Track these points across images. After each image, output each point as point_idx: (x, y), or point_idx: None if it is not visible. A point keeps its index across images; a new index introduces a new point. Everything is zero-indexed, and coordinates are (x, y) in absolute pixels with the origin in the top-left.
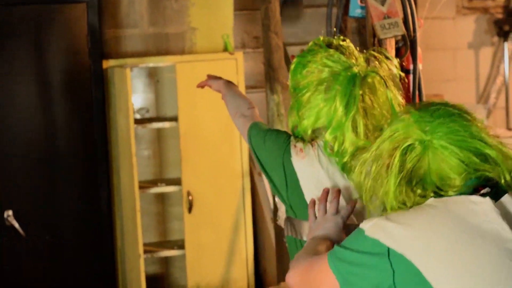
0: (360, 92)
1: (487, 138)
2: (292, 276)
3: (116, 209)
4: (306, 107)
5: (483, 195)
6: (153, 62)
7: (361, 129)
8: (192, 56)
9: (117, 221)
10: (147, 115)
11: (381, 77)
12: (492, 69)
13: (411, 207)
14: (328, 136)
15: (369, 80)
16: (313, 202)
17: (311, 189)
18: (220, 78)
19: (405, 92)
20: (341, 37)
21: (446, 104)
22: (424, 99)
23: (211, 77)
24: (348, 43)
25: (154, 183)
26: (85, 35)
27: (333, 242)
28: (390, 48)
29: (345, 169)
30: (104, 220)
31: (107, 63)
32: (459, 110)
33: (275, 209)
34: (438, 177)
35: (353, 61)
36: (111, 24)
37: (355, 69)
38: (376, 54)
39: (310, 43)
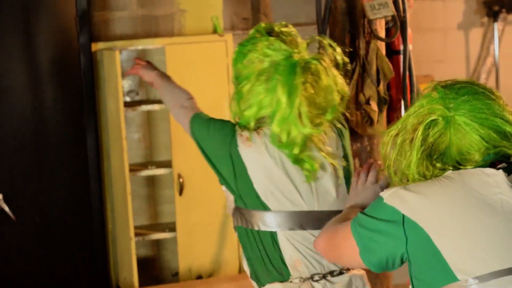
0: (302, 80)
1: (509, 116)
2: (319, 242)
3: (106, 192)
4: (247, 98)
5: (498, 169)
6: (142, 44)
7: (306, 118)
8: (181, 38)
9: (107, 204)
10: (137, 98)
11: (321, 64)
12: (482, 50)
13: (429, 179)
14: (275, 128)
15: (311, 67)
16: (358, 171)
17: (259, 177)
18: (153, 68)
19: (395, 73)
20: (283, 23)
21: (472, 83)
22: (414, 80)
23: (141, 65)
24: (290, 29)
25: (144, 166)
26: (74, 17)
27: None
28: (380, 28)
29: (298, 161)
30: (95, 204)
31: (96, 46)
32: (483, 89)
33: None
34: (458, 152)
35: (294, 48)
36: (100, 7)
37: (296, 57)
38: (320, 39)
39: (252, 31)
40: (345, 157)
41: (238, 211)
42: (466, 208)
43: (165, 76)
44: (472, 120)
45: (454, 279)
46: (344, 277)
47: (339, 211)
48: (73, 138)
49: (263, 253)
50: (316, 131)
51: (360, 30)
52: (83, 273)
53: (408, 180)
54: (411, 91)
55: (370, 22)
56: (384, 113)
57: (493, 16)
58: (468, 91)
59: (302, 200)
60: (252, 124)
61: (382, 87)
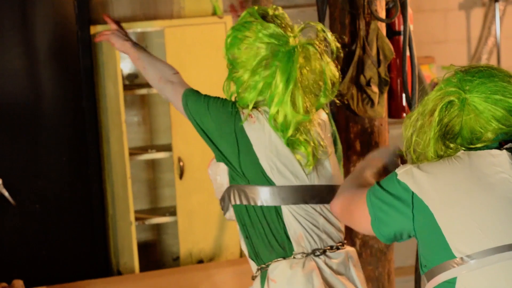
0: (298, 65)
1: None
2: (336, 205)
3: (106, 176)
4: (247, 84)
5: (505, 149)
6: (141, 27)
7: (300, 103)
8: (180, 21)
9: (108, 189)
10: (136, 81)
11: (315, 48)
12: (483, 30)
13: (442, 158)
14: (272, 110)
15: (307, 52)
16: None
17: (265, 152)
18: (125, 36)
19: (395, 54)
20: (274, 6)
21: (490, 67)
22: (415, 61)
23: (111, 31)
24: (282, 12)
25: (144, 149)
26: (72, 0)
27: (384, 167)
28: (381, 9)
29: (290, 144)
30: (95, 188)
31: (94, 29)
32: (501, 72)
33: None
34: (471, 132)
35: (290, 33)
36: None
37: (292, 42)
38: (313, 24)
39: (244, 13)
40: (335, 139)
41: (237, 189)
42: (468, 187)
43: (140, 48)
44: (486, 101)
45: (451, 256)
46: (340, 254)
47: (337, 186)
48: (72, 123)
49: (267, 229)
50: (308, 117)
51: (360, 11)
52: (83, 258)
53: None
54: (412, 72)
55: (370, 2)
56: (385, 95)
57: None
58: (484, 74)
59: (305, 174)
60: (250, 106)
61: (382, 68)
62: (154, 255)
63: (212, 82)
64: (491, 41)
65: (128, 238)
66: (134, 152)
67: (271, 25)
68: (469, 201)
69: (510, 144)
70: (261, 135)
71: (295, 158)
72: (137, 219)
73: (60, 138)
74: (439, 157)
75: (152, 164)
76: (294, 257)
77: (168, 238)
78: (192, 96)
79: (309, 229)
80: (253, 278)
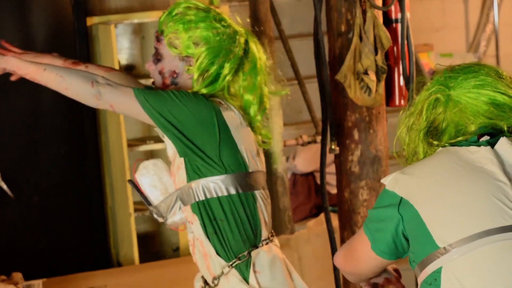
0: (242, 53)
1: (509, 91)
2: (338, 256)
3: (105, 167)
4: (210, 73)
5: (482, 142)
6: (138, 18)
7: (253, 89)
8: None
9: (106, 180)
10: (134, 72)
11: (257, 40)
12: (481, 17)
13: (425, 156)
14: (230, 97)
15: (254, 43)
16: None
17: (240, 137)
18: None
19: (392, 42)
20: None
21: (477, 64)
22: (413, 49)
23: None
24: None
25: (142, 140)
26: None
27: None
28: None
29: (251, 128)
30: (93, 180)
31: (91, 20)
32: (487, 67)
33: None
34: (455, 127)
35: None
36: None
37: (243, 32)
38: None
39: (183, 8)
40: None
41: (207, 183)
42: (448, 179)
43: (23, 57)
44: (468, 95)
45: (436, 247)
46: (276, 238)
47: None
48: (70, 114)
49: (243, 217)
50: (259, 106)
51: None
52: (83, 250)
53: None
54: (410, 60)
55: None
56: (383, 83)
57: None
58: (469, 70)
59: (261, 160)
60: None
61: (380, 56)
62: (154, 246)
63: None
64: (489, 28)
65: (127, 229)
66: (132, 143)
67: (223, 15)
68: (449, 192)
69: (486, 137)
70: (234, 120)
71: (255, 143)
72: (136, 210)
73: (58, 129)
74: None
75: (151, 155)
76: (262, 244)
77: (167, 229)
78: (148, 92)
79: (267, 214)
80: (217, 278)
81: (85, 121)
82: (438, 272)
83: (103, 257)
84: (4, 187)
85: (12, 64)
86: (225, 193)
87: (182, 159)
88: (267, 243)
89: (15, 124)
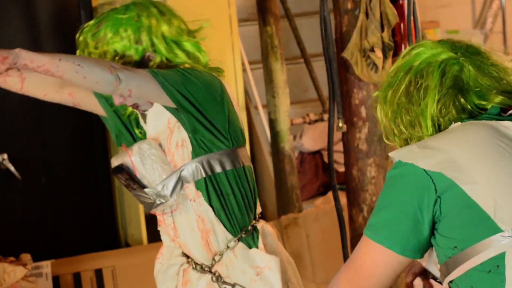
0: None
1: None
2: (336, 282)
3: (112, 147)
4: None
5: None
6: None
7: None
8: None
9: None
10: None
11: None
12: None
13: (442, 129)
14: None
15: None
16: None
17: (237, 110)
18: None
19: (399, 19)
20: None
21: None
22: (419, 25)
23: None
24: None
25: None
26: None
27: None
28: None
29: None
30: (101, 159)
31: (96, 1)
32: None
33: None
34: (475, 86)
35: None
36: None
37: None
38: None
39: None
40: None
41: (219, 157)
42: (497, 156)
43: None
44: (483, 64)
45: (496, 230)
46: None
47: None
48: None
49: (248, 191)
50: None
51: None
52: (91, 231)
53: (421, 129)
54: (416, 37)
55: None
56: (389, 60)
57: None
58: (472, 50)
59: None
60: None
61: (386, 33)
62: None
63: (215, 52)
64: (496, 4)
65: (135, 209)
66: None
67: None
68: (502, 171)
69: None
70: (231, 92)
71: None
72: None
73: (64, 110)
74: (438, 125)
75: None
76: (259, 216)
77: None
78: (162, 71)
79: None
80: (220, 254)
81: None
82: (499, 258)
83: (111, 238)
84: (12, 168)
85: (25, 57)
86: (232, 167)
87: (185, 136)
88: (260, 216)
89: (22, 105)
